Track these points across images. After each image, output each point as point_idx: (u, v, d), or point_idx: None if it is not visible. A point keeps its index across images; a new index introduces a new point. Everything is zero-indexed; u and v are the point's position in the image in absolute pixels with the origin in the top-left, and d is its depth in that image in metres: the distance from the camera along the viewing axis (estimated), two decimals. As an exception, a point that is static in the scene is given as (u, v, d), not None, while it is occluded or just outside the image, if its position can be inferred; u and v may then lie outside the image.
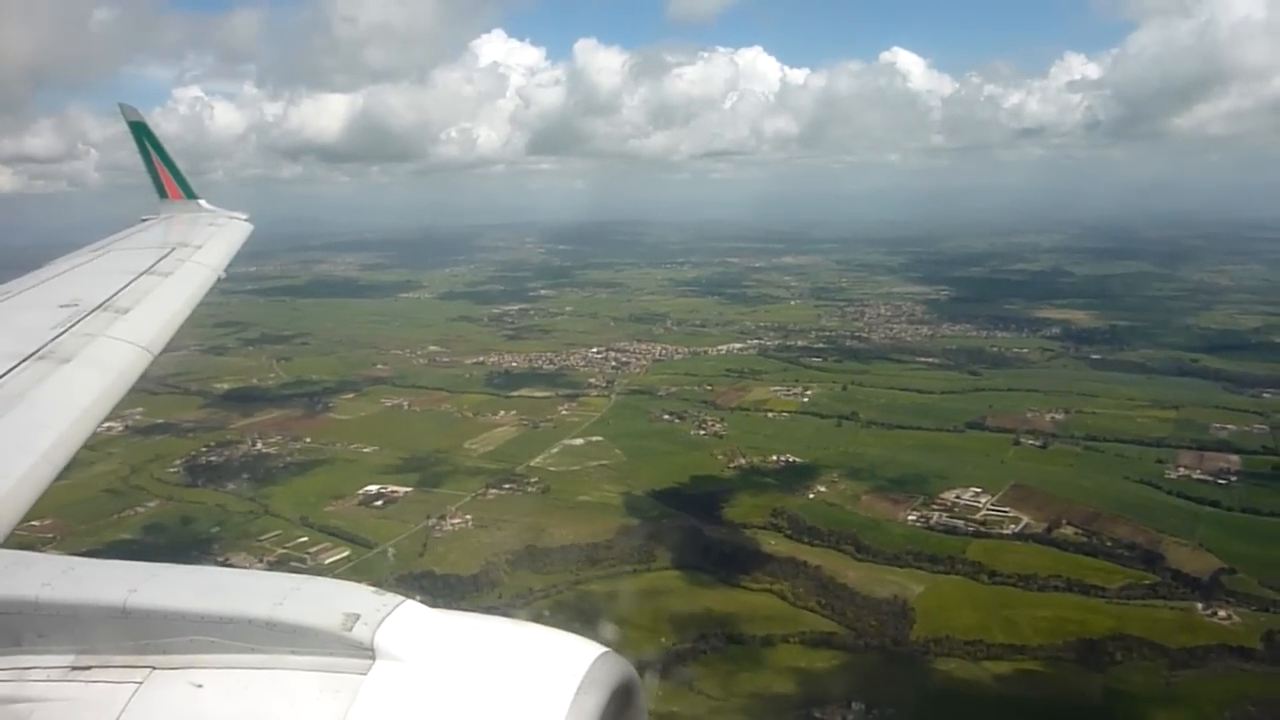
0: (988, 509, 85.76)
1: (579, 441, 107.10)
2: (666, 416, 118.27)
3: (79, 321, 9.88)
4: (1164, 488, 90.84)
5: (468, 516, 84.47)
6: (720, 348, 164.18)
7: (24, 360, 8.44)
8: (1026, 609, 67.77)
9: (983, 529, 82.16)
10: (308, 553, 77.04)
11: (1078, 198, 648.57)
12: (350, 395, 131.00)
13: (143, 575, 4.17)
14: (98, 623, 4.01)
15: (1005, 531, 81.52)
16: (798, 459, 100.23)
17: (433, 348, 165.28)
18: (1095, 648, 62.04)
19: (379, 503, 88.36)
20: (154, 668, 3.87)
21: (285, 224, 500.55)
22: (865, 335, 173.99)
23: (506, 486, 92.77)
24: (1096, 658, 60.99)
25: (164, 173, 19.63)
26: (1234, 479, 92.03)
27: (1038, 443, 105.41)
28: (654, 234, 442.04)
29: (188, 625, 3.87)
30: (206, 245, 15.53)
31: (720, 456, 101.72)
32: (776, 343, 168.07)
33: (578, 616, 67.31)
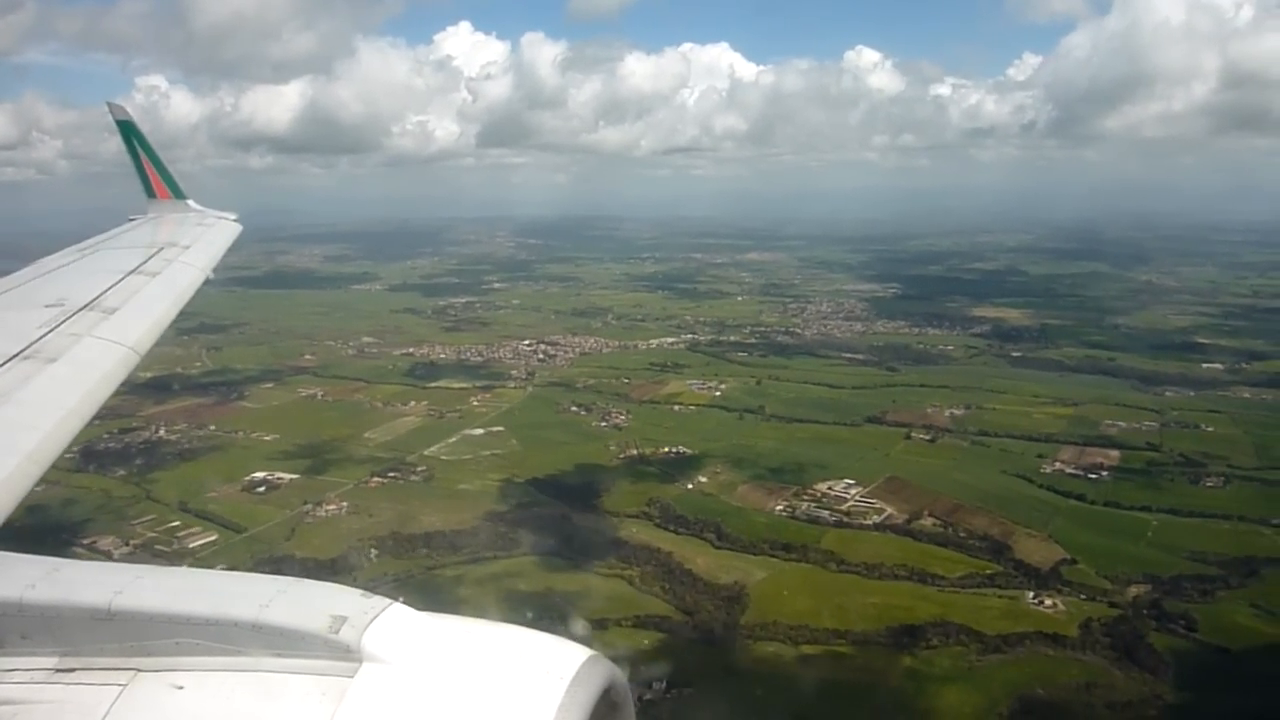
0: (856, 500, 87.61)
1: (479, 432, 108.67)
2: (575, 408, 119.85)
3: (65, 321, 9.76)
4: (1036, 481, 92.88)
5: (344, 503, 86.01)
6: (652, 342, 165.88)
7: (9, 360, 8.30)
8: (861, 596, 69.60)
9: (845, 519, 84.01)
10: (176, 537, 78.46)
11: (1056, 198, 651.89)
12: (269, 384, 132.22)
13: (128, 577, 4.16)
14: (82, 625, 3.99)
15: (866, 522, 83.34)
16: (688, 450, 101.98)
17: (367, 339, 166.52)
18: (914, 632, 63.89)
19: (261, 489, 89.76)
20: (138, 670, 3.86)
21: (261, 215, 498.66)
22: (798, 331, 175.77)
23: (391, 475, 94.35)
24: (911, 642, 62.83)
25: (152, 172, 19.46)
26: (1105, 474, 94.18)
27: (927, 437, 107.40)
28: (627, 229, 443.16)
29: (172, 628, 3.87)
30: (194, 245, 15.47)
31: (613, 447, 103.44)
32: (709, 338, 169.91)
33: (422, 599, 68.89)
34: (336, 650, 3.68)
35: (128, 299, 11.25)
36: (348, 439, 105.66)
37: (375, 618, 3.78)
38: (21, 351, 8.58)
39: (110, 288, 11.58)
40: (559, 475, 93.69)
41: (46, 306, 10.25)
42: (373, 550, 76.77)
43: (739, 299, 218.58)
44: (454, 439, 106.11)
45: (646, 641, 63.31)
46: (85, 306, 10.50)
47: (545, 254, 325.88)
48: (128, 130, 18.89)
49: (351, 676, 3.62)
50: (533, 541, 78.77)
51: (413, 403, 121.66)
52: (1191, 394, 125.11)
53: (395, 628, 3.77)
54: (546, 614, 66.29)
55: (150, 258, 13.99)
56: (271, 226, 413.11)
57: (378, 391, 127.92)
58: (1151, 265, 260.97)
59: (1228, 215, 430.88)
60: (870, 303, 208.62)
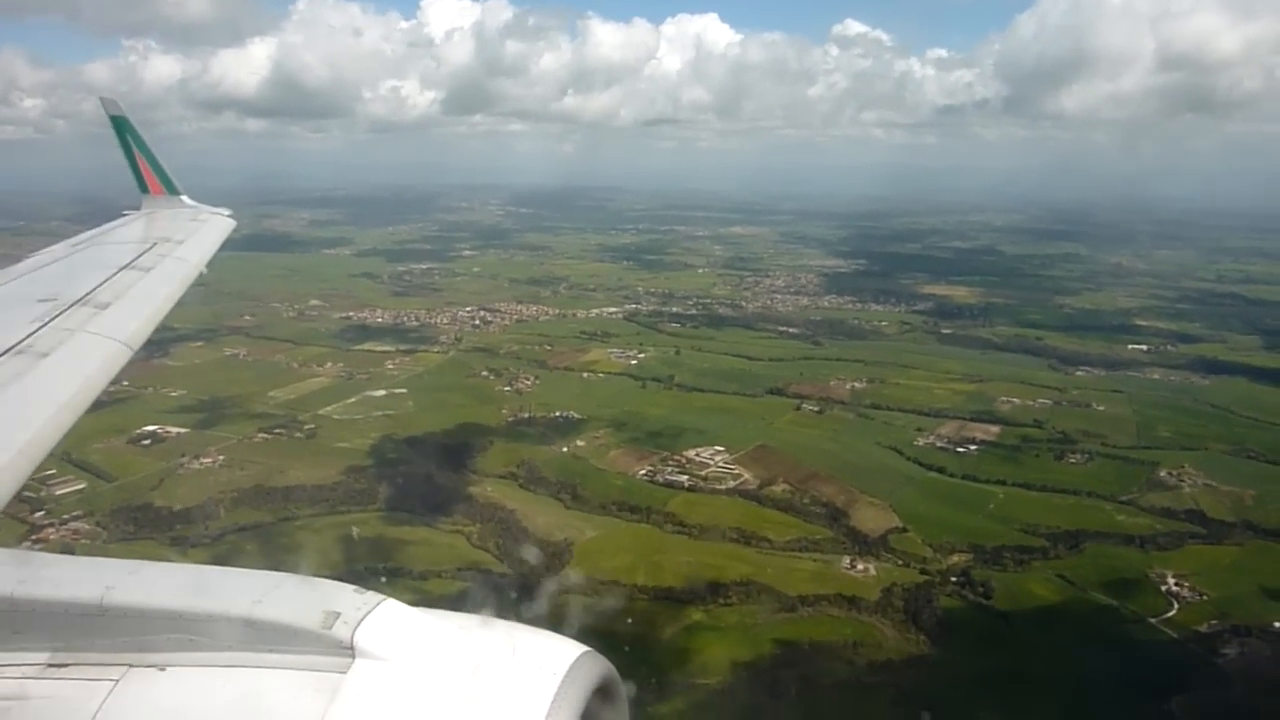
0: (718, 466, 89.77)
1: (380, 393, 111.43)
2: (485, 373, 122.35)
3: (58, 316, 9.73)
4: (905, 454, 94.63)
5: (221, 457, 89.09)
6: (594, 311, 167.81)
7: (1, 355, 8.32)
8: (681, 555, 71.95)
9: (701, 484, 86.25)
10: (45, 484, 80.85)
11: (1062, 180, 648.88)
12: (199, 343, 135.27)
13: (121, 572, 4.19)
14: (74, 620, 4.01)
15: (720, 487, 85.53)
16: (577, 415, 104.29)
17: (314, 301, 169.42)
18: (716, 590, 66.23)
19: (147, 442, 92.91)
20: (131, 665, 3.88)
21: (261, 180, 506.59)
22: (742, 304, 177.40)
23: (278, 431, 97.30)
24: (710, 598, 65.18)
25: (145, 167, 19.40)
26: (974, 448, 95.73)
27: (816, 409, 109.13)
28: (622, 200, 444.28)
29: (165, 623, 3.89)
30: (188, 240, 15.51)
31: (505, 411, 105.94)
32: (651, 308, 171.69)
33: (262, 545, 72.26)
34: (330, 646, 3.72)
35: (120, 294, 11.19)
36: (251, 396, 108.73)
37: (368, 613, 3.82)
38: (14, 347, 8.54)
39: (103, 283, 11.56)
40: (439, 435, 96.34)
41: (39, 301, 10.18)
42: (230, 500, 79.58)
43: (700, 271, 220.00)
44: (353, 399, 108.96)
45: (455, 589, 65.90)
46: (78, 302, 10.44)
47: (530, 223, 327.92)
48: (121, 126, 18.85)
49: (345, 672, 3.66)
50: (388, 497, 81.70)
51: (329, 364, 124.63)
52: (1102, 374, 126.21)
53: (388, 623, 3.81)
54: (371, 561, 69.65)
55: (143, 253, 13.97)
56: (267, 191, 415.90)
57: (301, 353, 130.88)
58: (1131, 247, 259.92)
59: (1231, 200, 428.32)
60: (828, 278, 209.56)
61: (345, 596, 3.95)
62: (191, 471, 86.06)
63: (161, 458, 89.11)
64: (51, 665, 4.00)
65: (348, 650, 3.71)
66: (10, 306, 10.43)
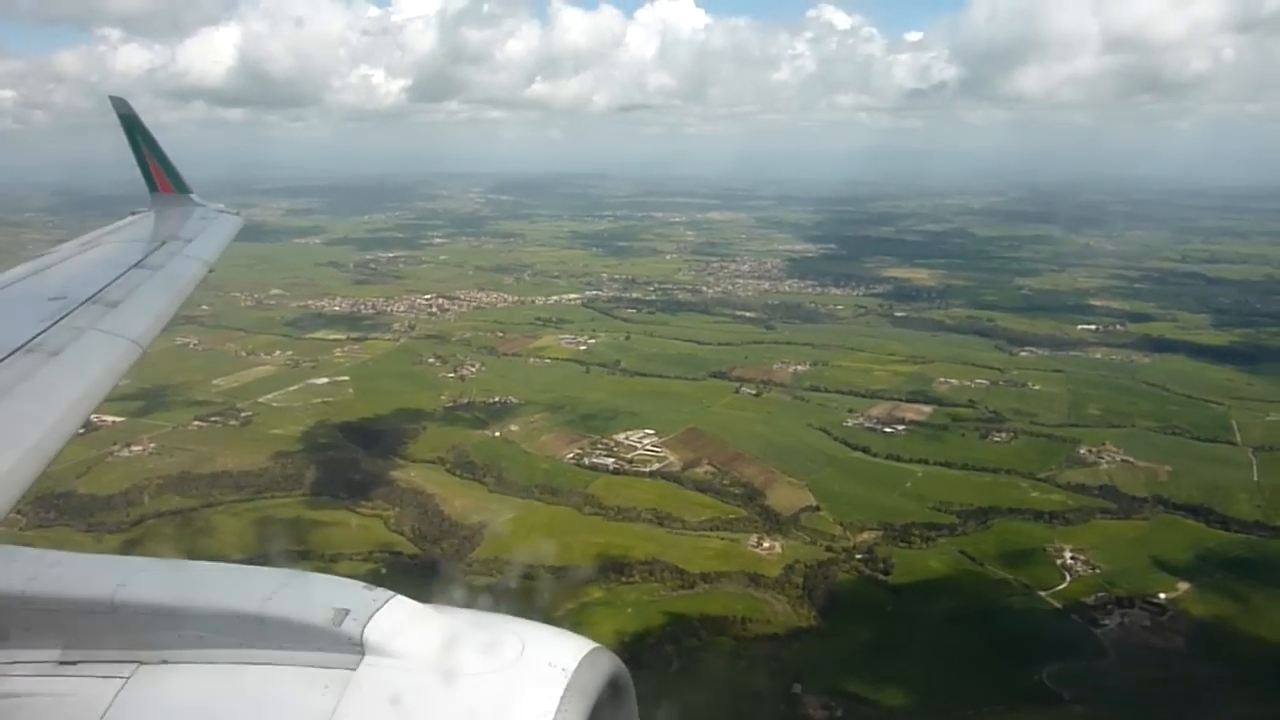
0: (645, 449, 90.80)
1: (323, 381, 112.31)
2: (432, 360, 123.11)
3: (68, 314, 9.77)
4: (833, 434, 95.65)
5: (153, 445, 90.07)
6: (553, 297, 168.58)
7: (11, 354, 8.26)
8: (593, 536, 73.04)
9: (627, 466, 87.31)
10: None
11: (1048, 162, 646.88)
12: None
13: (131, 570, 4.23)
14: (85, 617, 4.04)
15: (644, 469, 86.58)
16: (515, 400, 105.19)
17: (275, 290, 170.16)
18: (621, 568, 67.35)
19: (81, 430, 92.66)
20: (141, 663, 3.91)
21: (244, 169, 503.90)
22: (703, 289, 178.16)
23: (214, 419, 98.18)
24: (615, 576, 66.31)
25: (155, 166, 19.23)
26: (902, 428, 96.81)
27: (754, 392, 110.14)
28: (605, 187, 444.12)
29: (175, 620, 3.93)
30: (197, 239, 15.64)
31: (444, 397, 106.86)
32: (611, 294, 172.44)
33: (180, 531, 73.41)
34: (339, 643, 3.75)
35: (130, 293, 11.19)
36: (193, 385, 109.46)
37: (377, 610, 3.86)
38: (24, 345, 8.52)
39: (113, 281, 11.58)
40: (373, 421, 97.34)
41: (49, 300, 10.22)
42: (154, 487, 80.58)
43: (668, 257, 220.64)
44: (295, 387, 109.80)
45: (364, 570, 66.99)
46: (88, 300, 10.48)
47: (507, 210, 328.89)
48: (130, 124, 18.63)
49: (354, 669, 3.69)
50: (313, 482, 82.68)
51: (277, 352, 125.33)
52: (1045, 353, 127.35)
53: (397, 620, 3.84)
54: (284, 544, 70.64)
55: (152, 251, 14.09)
56: (248, 180, 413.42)
57: (251, 341, 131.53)
58: (1103, 228, 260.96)
59: (1213, 180, 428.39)
60: (793, 262, 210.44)
61: (354, 593, 3.98)
62: (120, 459, 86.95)
63: (93, 446, 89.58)
64: (62, 662, 4.03)
65: (357, 647, 3.74)
66: (20, 304, 10.54)
